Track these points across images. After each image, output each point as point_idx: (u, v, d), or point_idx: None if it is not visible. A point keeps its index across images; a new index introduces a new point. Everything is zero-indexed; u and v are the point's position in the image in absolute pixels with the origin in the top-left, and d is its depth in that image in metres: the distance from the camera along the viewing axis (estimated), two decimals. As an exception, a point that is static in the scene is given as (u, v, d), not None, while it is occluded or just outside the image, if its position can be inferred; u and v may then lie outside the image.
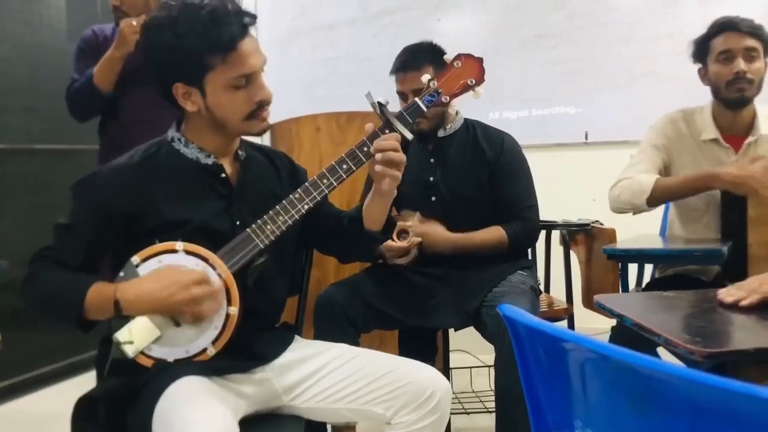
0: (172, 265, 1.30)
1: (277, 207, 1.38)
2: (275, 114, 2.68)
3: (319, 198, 1.40)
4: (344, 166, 1.40)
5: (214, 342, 1.32)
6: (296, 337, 1.57)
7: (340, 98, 3.68)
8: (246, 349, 1.40)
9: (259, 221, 1.37)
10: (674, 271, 2.19)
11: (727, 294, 1.30)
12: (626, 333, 1.24)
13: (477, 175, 2.14)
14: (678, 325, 1.24)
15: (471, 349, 2.97)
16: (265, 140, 3.05)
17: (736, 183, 1.92)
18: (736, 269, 1.84)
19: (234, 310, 1.32)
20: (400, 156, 1.42)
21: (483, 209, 2.13)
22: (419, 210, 2.13)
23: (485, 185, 2.14)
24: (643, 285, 2.41)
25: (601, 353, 0.59)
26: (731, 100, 2.07)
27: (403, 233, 1.99)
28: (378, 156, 1.40)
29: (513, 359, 1.87)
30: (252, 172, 1.52)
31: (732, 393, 0.50)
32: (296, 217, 1.38)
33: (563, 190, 3.25)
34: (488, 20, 3.71)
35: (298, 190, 1.40)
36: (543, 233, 2.63)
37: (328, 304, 1.98)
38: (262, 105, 1.41)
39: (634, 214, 2.16)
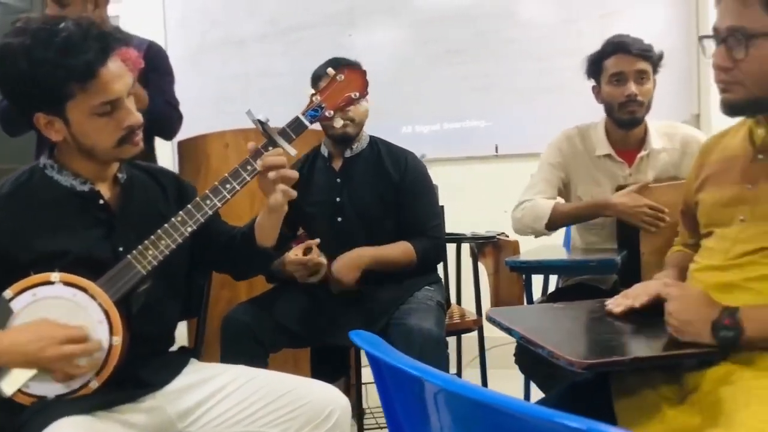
0: (47, 318, 1.25)
1: (159, 231, 1.35)
2: (186, 130, 2.65)
3: (202, 220, 1.37)
4: (228, 186, 1.38)
5: (96, 374, 1.27)
6: (192, 360, 1.53)
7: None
8: (133, 377, 1.35)
9: (140, 247, 1.33)
10: (575, 280, 2.26)
11: (615, 304, 1.35)
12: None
13: (383, 195, 2.16)
14: (563, 337, 1.27)
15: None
16: (171, 157, 3.00)
17: (626, 213, 2.01)
18: (631, 277, 1.91)
19: (117, 340, 1.27)
20: (293, 172, 1.42)
21: (388, 229, 2.15)
22: (326, 230, 2.14)
23: (391, 205, 2.16)
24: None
25: (444, 387, 0.59)
26: (623, 122, 2.16)
27: (309, 251, 1.99)
28: (271, 174, 1.39)
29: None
30: (135, 195, 1.48)
31: (571, 429, 0.51)
32: (179, 240, 1.35)
33: (475, 203, 3.31)
34: (399, 36, 3.76)
35: (181, 212, 1.37)
36: (453, 246, 2.68)
37: (234, 323, 1.96)
38: (133, 129, 1.37)
39: (536, 237, 2.23)
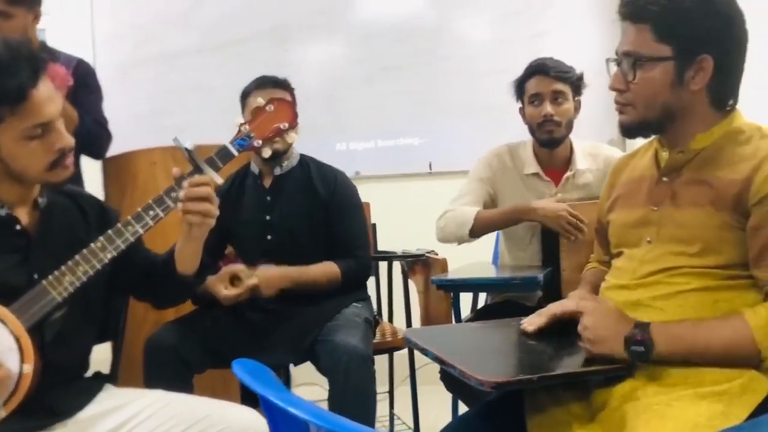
0: None
1: (77, 257, 1.32)
2: (118, 146, 2.58)
3: (123, 246, 1.35)
4: (151, 213, 1.37)
5: (5, 403, 1.23)
6: (107, 386, 1.49)
7: (188, 129, 3.58)
8: (42, 405, 1.31)
9: (56, 272, 1.31)
10: (502, 297, 2.30)
11: (529, 323, 1.37)
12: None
13: (312, 213, 2.17)
14: (476, 356, 1.28)
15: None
16: (97, 176, 2.92)
17: (547, 216, 2.08)
18: (555, 293, 1.96)
19: (28, 368, 1.24)
20: (211, 208, 1.40)
21: (318, 248, 2.16)
22: (255, 249, 2.14)
23: (320, 224, 2.16)
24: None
25: (311, 421, 0.59)
26: (542, 141, 2.23)
27: (236, 279, 1.98)
28: (188, 204, 1.38)
29: (347, 392, 1.88)
30: (54, 220, 1.44)
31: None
32: (98, 267, 1.33)
33: (409, 220, 3.33)
34: (334, 52, 3.78)
35: (101, 238, 1.35)
36: (385, 263, 2.69)
37: (157, 345, 1.93)
38: (65, 153, 1.35)
39: (459, 244, 2.26)
